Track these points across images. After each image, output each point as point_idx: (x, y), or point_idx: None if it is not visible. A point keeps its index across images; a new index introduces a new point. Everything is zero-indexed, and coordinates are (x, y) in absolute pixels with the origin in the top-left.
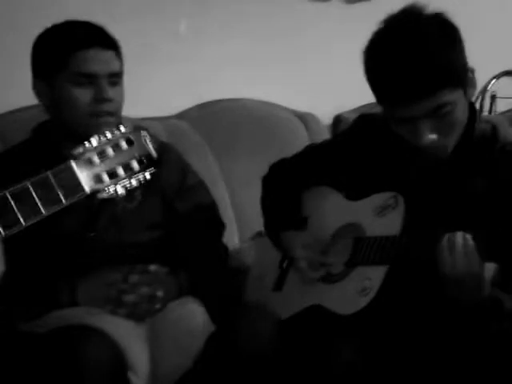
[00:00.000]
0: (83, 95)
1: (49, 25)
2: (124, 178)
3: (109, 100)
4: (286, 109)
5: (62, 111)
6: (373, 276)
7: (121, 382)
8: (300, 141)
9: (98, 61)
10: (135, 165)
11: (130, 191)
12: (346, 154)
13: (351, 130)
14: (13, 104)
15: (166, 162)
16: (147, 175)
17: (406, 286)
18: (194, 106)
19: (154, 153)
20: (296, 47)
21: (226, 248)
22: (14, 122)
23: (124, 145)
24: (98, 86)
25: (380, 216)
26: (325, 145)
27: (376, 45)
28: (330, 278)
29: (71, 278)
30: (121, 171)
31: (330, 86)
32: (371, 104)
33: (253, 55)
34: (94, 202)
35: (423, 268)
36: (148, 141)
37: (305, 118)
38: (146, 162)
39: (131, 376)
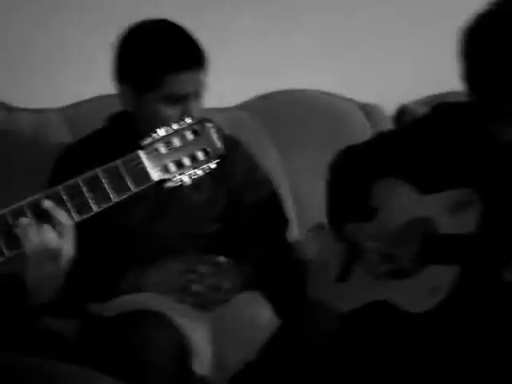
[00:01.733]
0: (172, 113)
1: (127, 21)
2: (189, 168)
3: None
4: (348, 99)
5: (144, 120)
6: (443, 275)
7: (184, 368)
8: (363, 132)
9: (189, 82)
10: (200, 155)
11: (198, 184)
12: (419, 145)
13: (427, 120)
14: (82, 95)
15: (234, 157)
16: (212, 165)
17: (479, 288)
18: (255, 96)
19: (218, 143)
20: (358, 37)
21: (289, 244)
22: (82, 113)
23: (190, 135)
24: (186, 106)
25: (453, 213)
26: (396, 134)
27: (482, 29)
28: (397, 274)
29: (139, 265)
30: (187, 161)
31: (393, 75)
32: (442, 94)
33: (315, 46)
34: (163, 193)
35: (497, 270)
36: (213, 132)
37: (368, 109)
38: (210, 152)
39: (194, 363)
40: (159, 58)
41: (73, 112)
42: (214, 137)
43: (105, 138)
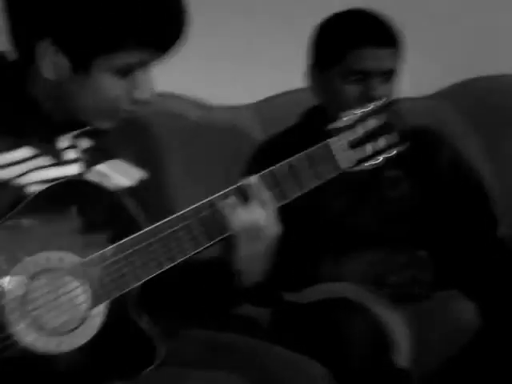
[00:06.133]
0: (353, 91)
1: (318, 16)
2: (373, 155)
3: (377, 98)
4: None
5: (330, 102)
6: None
7: (385, 361)
8: None
9: (372, 59)
10: (383, 141)
11: (394, 179)
12: None
13: None
14: (274, 90)
15: (433, 150)
16: (395, 152)
17: None
18: (454, 84)
19: (401, 130)
20: None
21: (499, 242)
22: (274, 108)
23: (373, 122)
24: (368, 84)
25: None
26: None
27: None
28: None
29: (336, 254)
30: (370, 147)
31: None
32: None
33: None
34: (361, 187)
35: None
36: (396, 118)
37: None
38: (394, 138)
39: (396, 357)
40: (343, 33)
41: (265, 107)
42: (397, 123)
43: (298, 134)
